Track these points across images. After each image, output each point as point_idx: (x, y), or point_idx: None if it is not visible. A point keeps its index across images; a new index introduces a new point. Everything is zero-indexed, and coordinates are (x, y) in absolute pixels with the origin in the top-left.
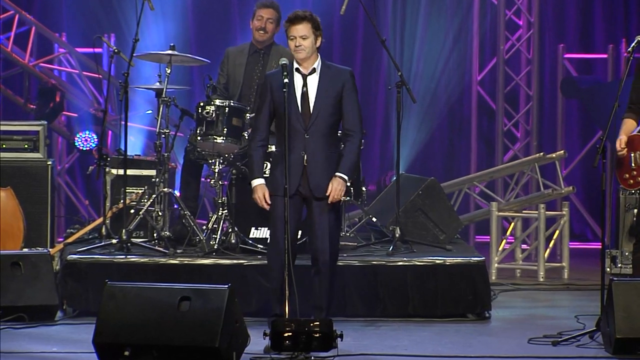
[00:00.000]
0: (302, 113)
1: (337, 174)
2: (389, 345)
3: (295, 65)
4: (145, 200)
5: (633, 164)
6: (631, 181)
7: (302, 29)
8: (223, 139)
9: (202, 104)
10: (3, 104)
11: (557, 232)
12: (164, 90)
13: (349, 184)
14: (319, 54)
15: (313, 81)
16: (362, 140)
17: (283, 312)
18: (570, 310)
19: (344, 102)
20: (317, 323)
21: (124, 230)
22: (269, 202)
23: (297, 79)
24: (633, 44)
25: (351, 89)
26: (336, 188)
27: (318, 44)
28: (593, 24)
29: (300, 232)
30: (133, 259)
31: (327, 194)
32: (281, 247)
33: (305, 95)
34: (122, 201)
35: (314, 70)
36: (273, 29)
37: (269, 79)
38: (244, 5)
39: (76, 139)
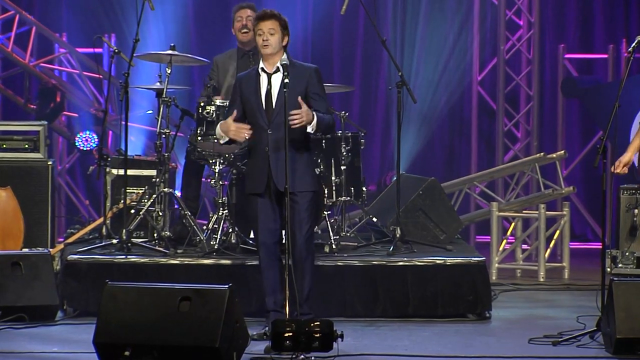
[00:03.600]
0: (266, 110)
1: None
2: (389, 346)
3: (261, 65)
4: (146, 201)
5: None
6: None
7: (270, 24)
8: None
9: (202, 104)
10: (3, 104)
11: (558, 232)
12: (165, 90)
13: (311, 130)
14: (284, 53)
15: (277, 79)
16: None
17: (277, 308)
18: (571, 311)
19: (310, 96)
20: (318, 323)
21: (124, 231)
22: (246, 127)
23: (263, 78)
24: (633, 44)
25: (316, 84)
26: (301, 111)
27: (284, 42)
28: (593, 24)
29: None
30: (133, 259)
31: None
32: (265, 246)
33: (268, 93)
34: (122, 201)
35: (277, 70)
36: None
37: (240, 81)
38: None
39: (77, 139)
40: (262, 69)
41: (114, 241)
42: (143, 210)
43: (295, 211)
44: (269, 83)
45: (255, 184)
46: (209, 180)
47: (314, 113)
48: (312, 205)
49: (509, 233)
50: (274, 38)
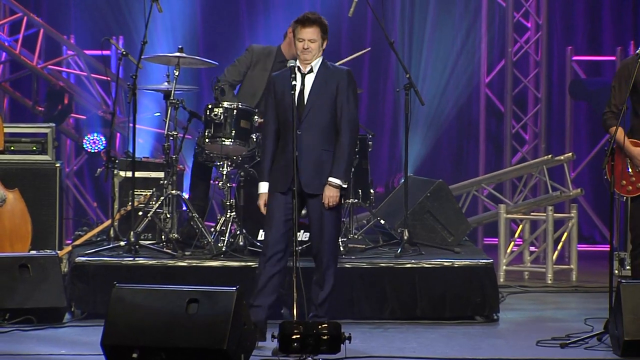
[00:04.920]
0: (297, 110)
1: (330, 179)
2: (397, 348)
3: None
4: (153, 203)
5: (630, 170)
6: (630, 187)
7: (311, 33)
8: (231, 141)
9: (210, 106)
10: (11, 106)
11: (566, 234)
12: (172, 92)
13: (345, 185)
14: (321, 55)
15: (310, 80)
16: (357, 139)
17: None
18: (579, 313)
19: (338, 101)
20: (325, 325)
21: (132, 233)
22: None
23: (297, 78)
24: None
25: (346, 88)
26: (328, 195)
27: (323, 46)
28: (601, 26)
29: (303, 233)
30: (141, 261)
31: (323, 201)
32: (269, 247)
33: (301, 93)
34: (130, 203)
35: (311, 70)
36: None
37: (274, 81)
38: (252, 7)
39: (84, 141)
40: (298, 68)
41: (122, 243)
42: (151, 213)
43: (320, 214)
44: (302, 83)
45: (280, 182)
46: (216, 182)
47: (333, 184)
48: (338, 209)
49: (516, 235)
50: (314, 45)
